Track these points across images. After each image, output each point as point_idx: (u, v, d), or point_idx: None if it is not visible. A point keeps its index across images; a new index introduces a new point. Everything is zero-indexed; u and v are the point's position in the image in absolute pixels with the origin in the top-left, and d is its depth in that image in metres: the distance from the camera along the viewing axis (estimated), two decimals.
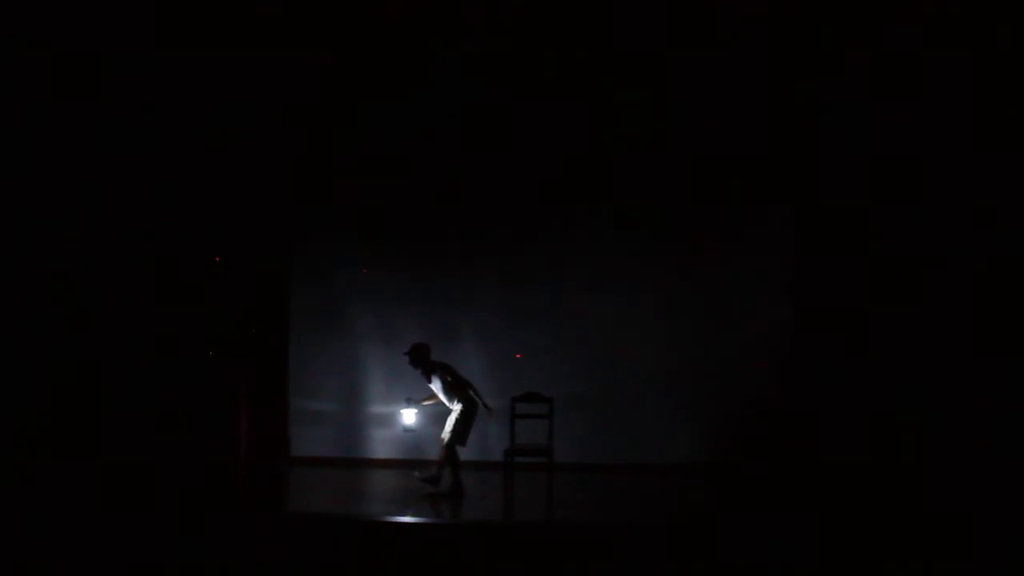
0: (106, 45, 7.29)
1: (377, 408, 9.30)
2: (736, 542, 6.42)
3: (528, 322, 9.40)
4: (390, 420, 9.12)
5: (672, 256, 9.45)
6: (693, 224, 9.42)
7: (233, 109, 8.15)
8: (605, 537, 6.48)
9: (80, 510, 6.51)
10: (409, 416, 8.34)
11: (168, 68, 7.57)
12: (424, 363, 8.04)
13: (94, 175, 7.36)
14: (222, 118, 8.08)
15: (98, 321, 7.27)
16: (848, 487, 7.50)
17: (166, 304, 7.68)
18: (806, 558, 6.22)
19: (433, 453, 8.23)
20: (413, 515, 7.12)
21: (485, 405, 7.97)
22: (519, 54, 8.22)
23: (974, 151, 7.08)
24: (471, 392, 7.97)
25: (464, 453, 8.86)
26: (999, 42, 6.90)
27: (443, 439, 7.94)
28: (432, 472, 7.99)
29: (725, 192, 9.25)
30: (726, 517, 7.29)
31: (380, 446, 9.34)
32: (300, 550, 6.32)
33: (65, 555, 6.11)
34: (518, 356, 9.36)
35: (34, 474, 6.71)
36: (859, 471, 7.60)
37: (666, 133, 8.89)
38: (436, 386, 8.02)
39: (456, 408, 7.95)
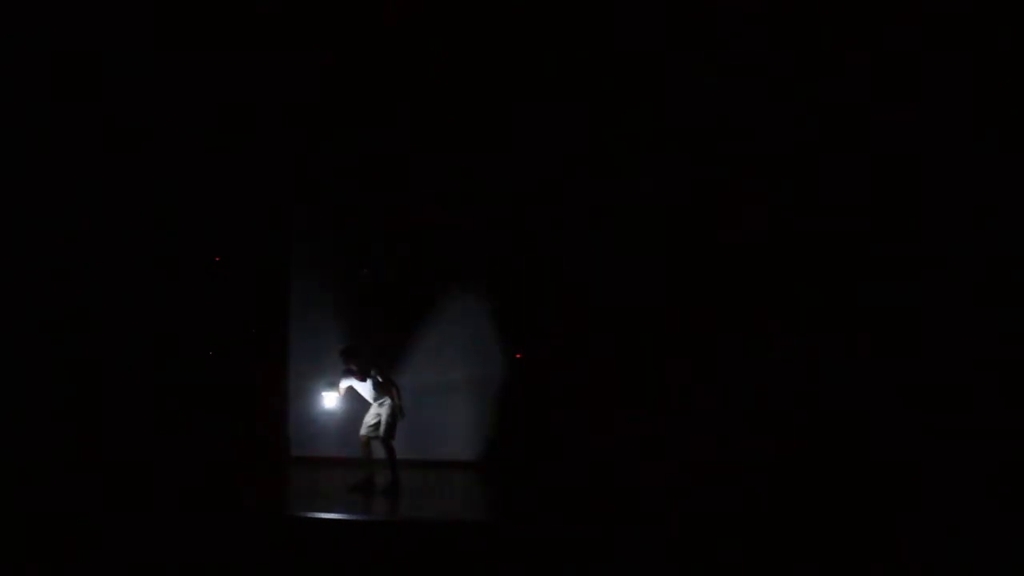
0: (106, 45, 7.30)
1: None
2: (736, 542, 6.42)
3: (529, 322, 9.40)
4: None
5: (672, 256, 9.44)
6: (693, 224, 9.42)
7: (233, 109, 8.15)
8: (605, 537, 6.48)
9: (80, 510, 6.51)
10: (331, 399, 8.23)
11: (168, 68, 7.58)
12: (361, 362, 8.07)
13: (94, 175, 7.36)
14: (222, 118, 8.08)
15: (98, 321, 7.28)
16: (849, 486, 7.50)
17: (166, 304, 7.68)
18: (804, 558, 6.23)
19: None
20: (412, 515, 7.12)
21: (400, 408, 8.01)
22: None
23: (974, 151, 7.08)
24: (395, 392, 8.02)
25: (464, 453, 8.89)
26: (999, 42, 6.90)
27: (379, 437, 7.94)
28: (389, 478, 7.99)
29: (725, 190, 9.26)
30: (725, 517, 7.28)
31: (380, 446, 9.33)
32: (299, 550, 6.32)
33: (66, 555, 6.11)
34: (518, 356, 9.36)
35: (34, 474, 6.71)
36: (860, 471, 7.60)
37: (667, 136, 8.92)
38: (367, 384, 8.02)
39: (384, 406, 8.00)
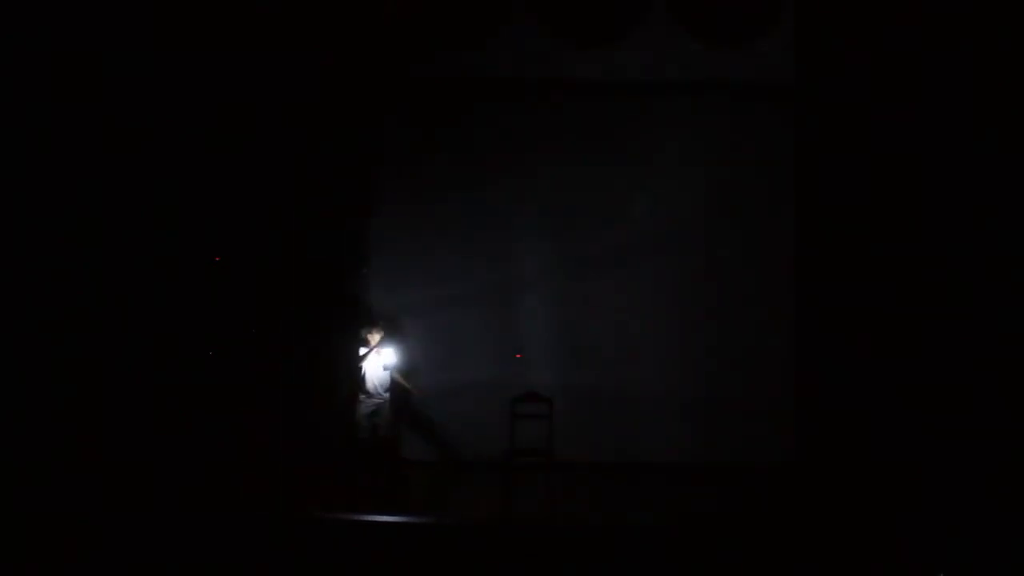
0: (106, 45, 7.29)
1: None
2: (736, 542, 6.42)
3: (528, 321, 9.41)
4: None
5: (674, 255, 9.46)
6: (695, 225, 9.44)
7: (233, 109, 8.15)
8: (605, 537, 6.48)
9: (80, 510, 6.50)
10: (389, 355, 8.34)
11: (168, 68, 7.57)
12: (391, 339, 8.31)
13: (94, 175, 7.35)
14: (222, 118, 8.08)
15: (98, 321, 7.27)
16: (849, 486, 7.50)
17: (166, 304, 7.68)
18: (804, 558, 6.22)
19: None
20: (411, 515, 7.12)
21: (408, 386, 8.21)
22: None
23: (974, 151, 7.07)
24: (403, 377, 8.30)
25: (463, 452, 8.91)
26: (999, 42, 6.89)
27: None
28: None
29: (726, 188, 9.31)
30: (726, 517, 7.28)
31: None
32: (299, 550, 6.32)
33: (65, 555, 6.11)
34: (518, 356, 9.37)
35: (34, 474, 6.70)
36: (860, 471, 7.59)
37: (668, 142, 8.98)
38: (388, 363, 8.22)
39: (385, 396, 8.11)
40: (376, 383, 8.08)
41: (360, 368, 8.15)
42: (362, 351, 8.16)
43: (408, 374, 8.33)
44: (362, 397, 8.10)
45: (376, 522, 6.85)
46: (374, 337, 8.19)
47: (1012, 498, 6.48)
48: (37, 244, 7.10)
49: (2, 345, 6.92)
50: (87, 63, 7.22)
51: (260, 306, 8.97)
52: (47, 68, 7.09)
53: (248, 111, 8.30)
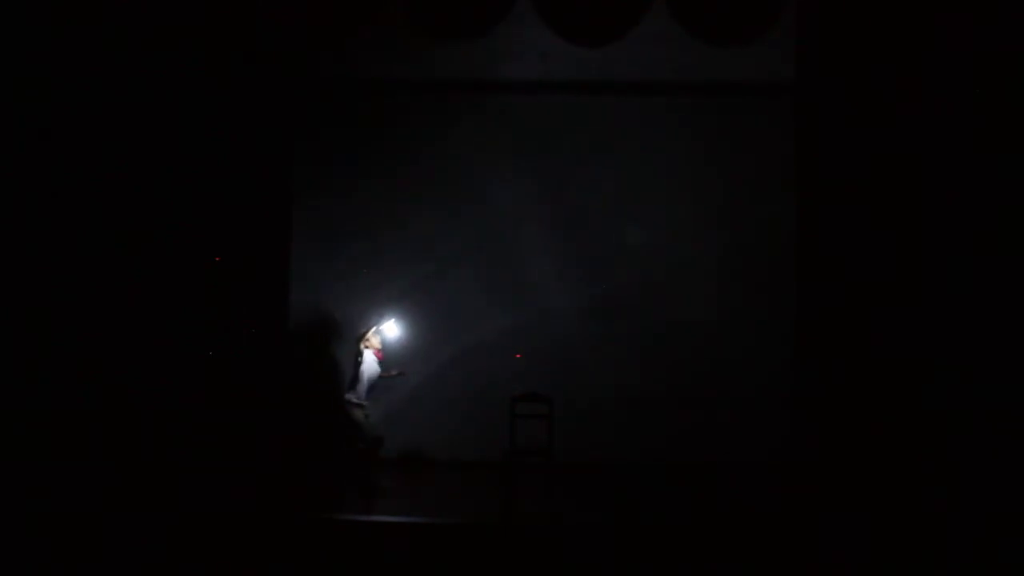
0: (105, 44, 7.29)
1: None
2: (736, 542, 6.43)
3: (529, 321, 9.42)
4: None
5: (673, 255, 9.47)
6: (695, 225, 9.45)
7: (233, 109, 8.15)
8: (605, 537, 6.49)
9: (80, 510, 6.51)
10: (391, 328, 8.45)
11: (167, 67, 7.57)
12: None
13: (93, 175, 7.36)
14: (221, 117, 8.08)
15: (97, 321, 7.27)
16: (848, 486, 7.50)
17: (166, 304, 7.68)
18: (804, 558, 6.24)
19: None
20: (413, 515, 7.12)
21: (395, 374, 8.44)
22: None
23: (974, 151, 7.07)
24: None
25: (463, 452, 8.94)
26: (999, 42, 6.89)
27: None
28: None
29: (726, 187, 9.31)
30: (727, 516, 7.29)
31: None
32: (300, 551, 6.33)
33: (65, 555, 6.11)
34: (518, 356, 9.37)
35: (34, 474, 6.71)
36: (859, 471, 7.60)
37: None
38: (374, 364, 8.27)
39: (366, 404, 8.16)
40: (373, 384, 8.09)
41: (359, 362, 8.12)
42: (362, 344, 8.17)
43: (390, 365, 8.40)
44: (363, 397, 8.10)
45: (376, 522, 6.86)
46: (368, 338, 8.16)
47: (1012, 498, 6.49)
48: (36, 244, 7.11)
49: (3, 345, 6.92)
50: (85, 62, 7.23)
51: (259, 306, 8.98)
52: (46, 67, 7.10)
53: (248, 111, 8.31)
